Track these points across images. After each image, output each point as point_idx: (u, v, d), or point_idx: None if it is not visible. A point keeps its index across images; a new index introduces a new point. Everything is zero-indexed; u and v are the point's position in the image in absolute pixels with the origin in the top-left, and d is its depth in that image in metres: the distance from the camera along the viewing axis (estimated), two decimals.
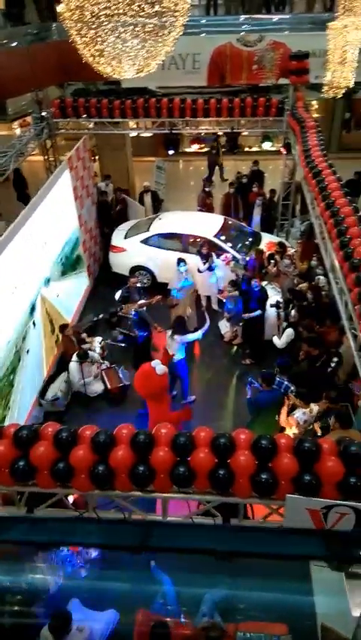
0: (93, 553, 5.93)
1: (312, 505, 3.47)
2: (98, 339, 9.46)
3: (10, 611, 5.26)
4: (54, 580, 5.72)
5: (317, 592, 5.70)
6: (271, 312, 9.05)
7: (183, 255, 10.08)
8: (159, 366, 6.93)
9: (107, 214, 12.42)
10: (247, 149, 18.52)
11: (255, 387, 6.93)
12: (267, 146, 17.57)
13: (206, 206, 12.88)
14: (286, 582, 5.38)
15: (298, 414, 6.44)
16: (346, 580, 5.46)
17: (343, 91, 9.07)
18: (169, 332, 7.99)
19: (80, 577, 5.87)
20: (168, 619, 5.13)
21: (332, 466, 3.55)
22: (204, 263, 10.02)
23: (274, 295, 9.35)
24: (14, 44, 11.66)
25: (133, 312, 8.82)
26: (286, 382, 6.89)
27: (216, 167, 16.00)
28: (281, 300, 9.19)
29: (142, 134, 14.33)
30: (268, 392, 6.69)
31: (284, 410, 6.65)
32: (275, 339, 8.33)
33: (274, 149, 17.15)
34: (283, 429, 6.66)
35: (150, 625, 4.98)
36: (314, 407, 6.50)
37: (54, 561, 5.90)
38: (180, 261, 9.69)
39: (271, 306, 8.84)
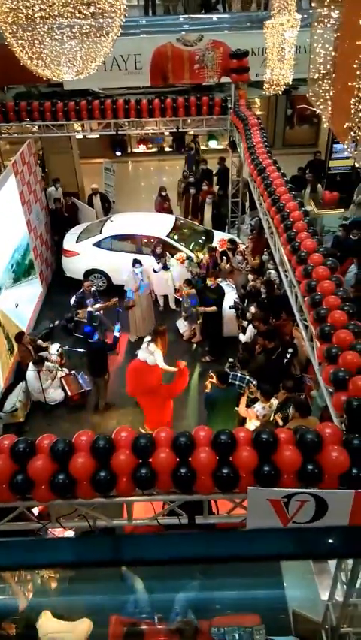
0: None
1: (273, 496, 3.53)
2: (56, 345, 9.31)
3: None
4: (23, 594, 5.60)
5: (287, 579, 5.82)
6: (229, 309, 9.16)
7: (138, 256, 10.05)
8: (149, 357, 6.87)
9: (58, 222, 12.16)
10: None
11: (213, 383, 6.98)
12: (213, 144, 17.72)
13: (164, 210, 12.83)
14: (255, 573, 5.47)
15: (258, 407, 6.53)
16: (314, 565, 5.60)
17: (283, 88, 9.27)
18: (147, 339, 7.60)
19: (50, 589, 5.77)
20: (141, 622, 5.13)
21: (290, 455, 3.63)
22: (159, 262, 10.04)
23: (229, 292, 9.46)
24: None
25: (88, 316, 8.72)
26: (248, 377, 6.96)
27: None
28: (237, 297, 9.31)
29: (88, 136, 14.17)
30: (223, 390, 6.74)
31: (243, 400, 6.73)
32: (241, 336, 8.41)
33: (220, 147, 17.32)
34: (243, 421, 6.75)
35: (123, 630, 4.96)
36: (274, 402, 6.59)
37: (22, 575, 5.77)
38: (136, 262, 9.65)
39: (230, 307, 8.95)
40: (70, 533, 5.94)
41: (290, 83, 9.18)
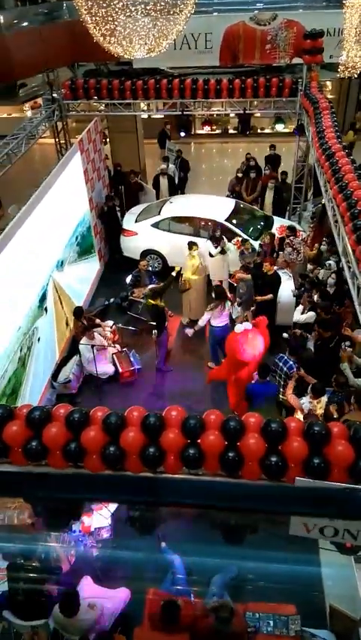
0: (105, 534, 6.03)
1: None
2: (110, 322, 9.49)
3: (24, 588, 5.38)
4: (67, 558, 5.84)
5: (326, 574, 5.76)
6: (284, 297, 9.00)
7: (194, 239, 10.01)
8: (238, 325, 7.05)
9: (112, 223, 11.86)
10: (259, 130, 18.27)
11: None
12: (280, 127, 17.30)
13: (235, 192, 12.65)
14: (295, 564, 5.44)
15: (305, 402, 6.38)
16: (355, 564, 5.51)
17: (359, 71, 8.88)
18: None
19: (92, 556, 5.98)
20: (177, 597, 5.23)
21: (342, 450, 3.55)
22: (216, 247, 9.96)
23: (286, 280, 9.29)
24: (25, 24, 11.52)
25: (144, 295, 8.83)
26: (291, 362, 6.81)
27: None
28: (294, 286, 9.13)
29: (153, 116, 14.18)
30: (262, 385, 6.62)
31: (291, 385, 6.60)
32: (297, 314, 8.24)
33: (286, 130, 16.90)
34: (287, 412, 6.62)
35: (160, 603, 5.08)
36: (324, 399, 6.39)
37: (66, 541, 6.01)
38: (192, 244, 9.63)
39: (294, 296, 8.81)
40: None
41: None
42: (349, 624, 5.18)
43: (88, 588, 5.29)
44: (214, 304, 8.22)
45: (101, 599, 5.17)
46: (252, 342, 6.77)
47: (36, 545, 5.76)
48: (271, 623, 5.23)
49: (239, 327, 6.99)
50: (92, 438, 3.74)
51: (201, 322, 8.44)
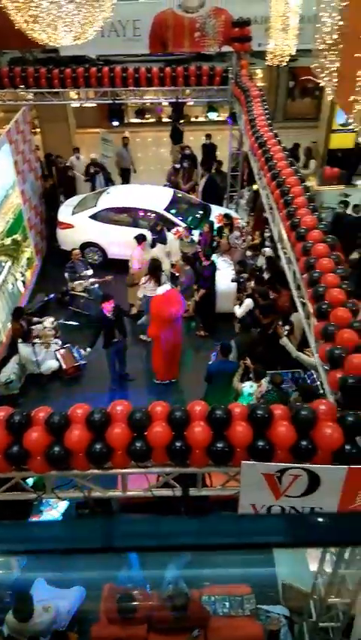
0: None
1: (267, 470, 3.57)
2: (50, 319, 9.25)
3: None
4: (17, 561, 5.68)
5: (277, 551, 5.94)
6: (223, 285, 9.11)
7: (135, 230, 9.92)
8: (159, 288, 7.95)
9: (54, 198, 11.90)
10: (193, 119, 18.26)
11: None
12: (213, 116, 17.38)
13: (172, 183, 12.60)
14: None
15: (247, 386, 6.52)
16: None
17: (287, 58, 9.03)
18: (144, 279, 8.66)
19: (44, 556, 5.85)
20: (133, 589, 5.23)
21: (284, 431, 3.65)
22: (155, 237, 9.93)
23: (226, 267, 9.40)
24: None
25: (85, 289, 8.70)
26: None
27: None
28: (233, 272, 9.27)
29: (85, 105, 13.82)
30: (221, 362, 6.75)
31: (238, 373, 6.76)
32: (236, 309, 8.38)
33: (220, 119, 17.00)
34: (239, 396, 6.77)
35: (116, 595, 5.06)
36: (264, 383, 6.53)
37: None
38: (140, 236, 9.55)
39: (233, 281, 8.93)
40: (65, 503, 6.04)
41: (293, 53, 8.95)
42: (301, 598, 5.37)
43: (42, 590, 5.20)
44: (147, 277, 8.60)
45: (56, 599, 5.10)
46: (172, 301, 7.62)
47: None
48: (227, 604, 5.36)
49: (161, 289, 7.79)
50: (35, 439, 3.64)
51: (139, 294, 8.87)
